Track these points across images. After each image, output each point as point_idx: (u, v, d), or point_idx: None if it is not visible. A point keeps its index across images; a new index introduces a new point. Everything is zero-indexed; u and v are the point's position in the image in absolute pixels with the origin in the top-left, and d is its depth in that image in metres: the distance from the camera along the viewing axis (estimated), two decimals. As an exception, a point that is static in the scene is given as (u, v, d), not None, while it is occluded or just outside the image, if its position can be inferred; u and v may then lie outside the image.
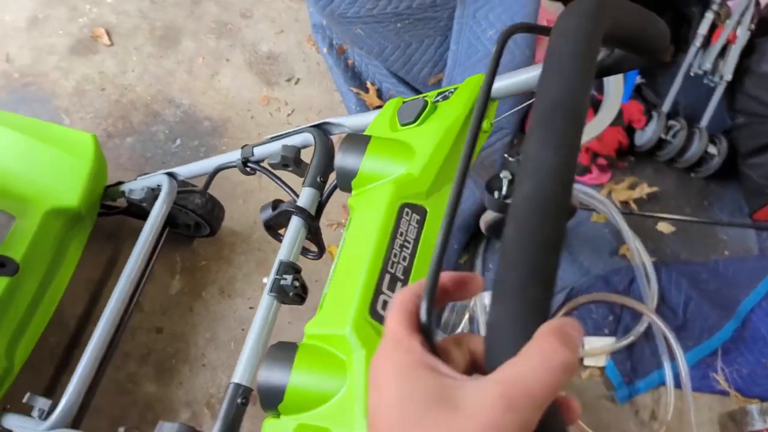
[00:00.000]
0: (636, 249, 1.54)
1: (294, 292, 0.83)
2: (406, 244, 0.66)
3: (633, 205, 1.67)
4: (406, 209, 0.67)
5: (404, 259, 0.65)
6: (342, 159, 0.73)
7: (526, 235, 0.35)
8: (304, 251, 0.95)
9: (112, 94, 1.60)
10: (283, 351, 0.62)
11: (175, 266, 1.45)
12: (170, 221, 1.39)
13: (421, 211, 0.68)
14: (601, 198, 1.55)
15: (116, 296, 1.11)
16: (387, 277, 0.64)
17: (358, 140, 0.73)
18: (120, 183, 1.31)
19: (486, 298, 1.49)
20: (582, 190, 1.56)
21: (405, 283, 0.65)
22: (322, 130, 0.93)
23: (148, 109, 1.60)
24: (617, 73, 0.65)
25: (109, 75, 1.62)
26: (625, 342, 1.45)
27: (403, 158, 0.70)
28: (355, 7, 1.45)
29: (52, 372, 1.08)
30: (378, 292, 0.63)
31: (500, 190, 1.22)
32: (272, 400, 0.61)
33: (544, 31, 0.50)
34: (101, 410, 1.30)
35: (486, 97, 0.44)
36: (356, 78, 1.68)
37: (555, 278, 0.35)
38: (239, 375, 0.78)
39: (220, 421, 0.76)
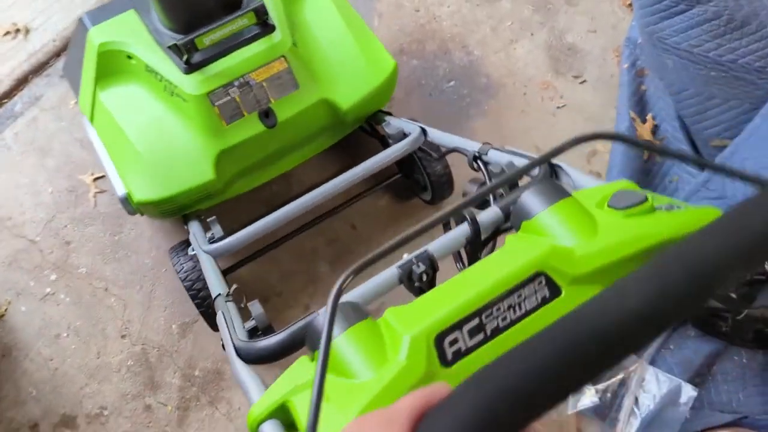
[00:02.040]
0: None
1: (418, 282, 0.79)
2: (516, 307, 0.59)
3: None
4: (541, 278, 0.60)
5: (503, 319, 0.58)
6: (528, 196, 0.68)
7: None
8: (459, 258, 0.97)
9: (422, 18, 1.73)
10: (353, 312, 0.62)
11: (389, 193, 1.57)
12: (406, 170, 1.50)
13: (555, 291, 0.60)
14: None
15: (317, 192, 1.22)
16: (475, 321, 0.58)
17: (557, 190, 0.68)
18: (389, 113, 1.41)
19: (648, 372, 1.40)
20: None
21: (486, 340, 0.57)
22: (553, 168, 0.91)
23: (442, 44, 1.71)
24: None
25: (429, 1, 1.75)
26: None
27: (580, 233, 0.63)
28: (679, 36, 1.39)
29: (253, 217, 1.24)
30: (456, 327, 0.57)
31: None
32: (315, 343, 0.64)
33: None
34: (278, 261, 1.49)
35: None
36: (640, 105, 1.62)
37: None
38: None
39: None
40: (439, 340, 0.56)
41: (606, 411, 1.36)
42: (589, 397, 1.38)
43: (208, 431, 1.36)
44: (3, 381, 1.38)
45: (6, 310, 1.43)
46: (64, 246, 1.49)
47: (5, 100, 1.61)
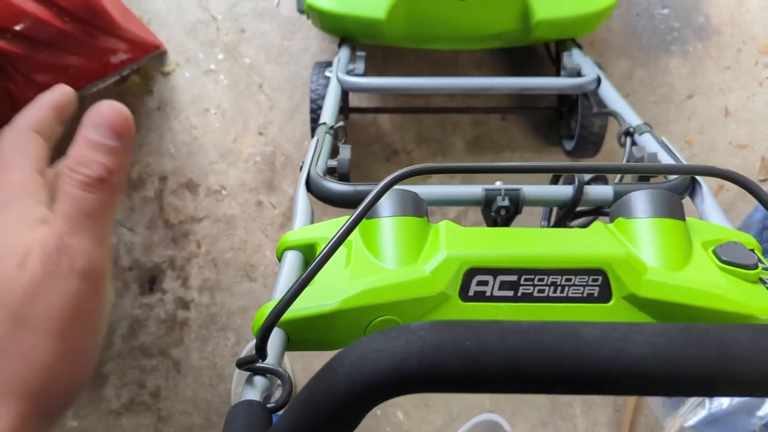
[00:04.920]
0: None
1: (495, 214, 0.76)
2: (558, 288, 0.55)
3: None
4: (599, 277, 0.55)
5: (540, 291, 0.56)
6: (639, 197, 0.61)
7: None
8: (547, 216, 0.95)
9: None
10: (412, 205, 0.61)
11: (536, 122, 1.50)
12: (566, 111, 1.44)
13: (605, 296, 0.55)
14: None
15: (467, 81, 1.20)
16: (513, 276, 0.54)
17: (671, 207, 0.60)
18: (578, 46, 1.30)
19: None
20: None
21: (511, 299, 0.55)
22: (693, 182, 0.81)
23: (673, -33, 1.55)
24: None
25: None
26: None
27: (667, 260, 0.57)
28: None
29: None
30: (493, 272, 0.54)
31: None
32: (371, 212, 0.61)
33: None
34: (419, 121, 1.49)
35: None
36: None
37: None
38: None
39: None
40: (471, 273, 0.54)
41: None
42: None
43: (301, 245, 1.45)
44: (152, 130, 1.52)
45: (174, 70, 1.54)
46: (238, 32, 1.56)
47: None
